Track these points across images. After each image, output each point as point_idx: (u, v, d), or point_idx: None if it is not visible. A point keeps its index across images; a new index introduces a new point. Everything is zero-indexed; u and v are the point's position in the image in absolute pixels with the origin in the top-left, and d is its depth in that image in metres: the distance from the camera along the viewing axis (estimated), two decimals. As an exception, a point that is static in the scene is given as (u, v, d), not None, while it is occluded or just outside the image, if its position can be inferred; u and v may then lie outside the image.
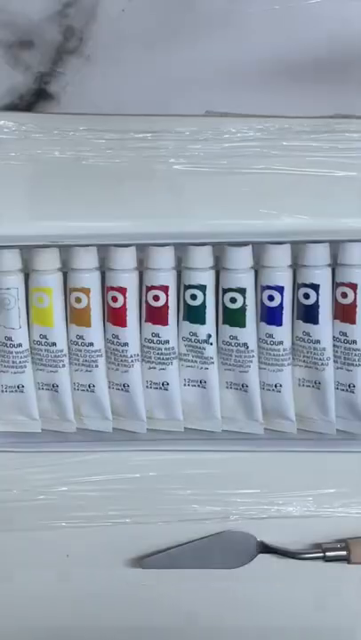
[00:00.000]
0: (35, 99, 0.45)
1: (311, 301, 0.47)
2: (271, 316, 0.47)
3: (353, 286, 0.46)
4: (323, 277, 0.46)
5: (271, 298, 0.47)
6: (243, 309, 0.47)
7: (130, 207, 0.46)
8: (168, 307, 0.47)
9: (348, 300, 0.46)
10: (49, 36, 0.44)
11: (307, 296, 0.47)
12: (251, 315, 0.47)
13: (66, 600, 0.50)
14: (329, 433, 0.48)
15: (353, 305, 0.46)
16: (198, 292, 0.46)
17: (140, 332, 0.47)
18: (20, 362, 0.47)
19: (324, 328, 0.47)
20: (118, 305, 0.46)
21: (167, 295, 0.46)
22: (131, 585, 0.50)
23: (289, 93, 0.46)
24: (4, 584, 0.50)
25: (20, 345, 0.47)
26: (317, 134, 0.46)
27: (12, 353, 0.47)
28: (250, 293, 0.46)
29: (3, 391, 0.48)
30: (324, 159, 0.46)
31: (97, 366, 0.47)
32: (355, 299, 0.46)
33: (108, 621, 0.50)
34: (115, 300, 0.46)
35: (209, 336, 0.47)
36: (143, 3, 0.44)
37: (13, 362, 0.47)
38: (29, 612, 0.50)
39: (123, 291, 0.46)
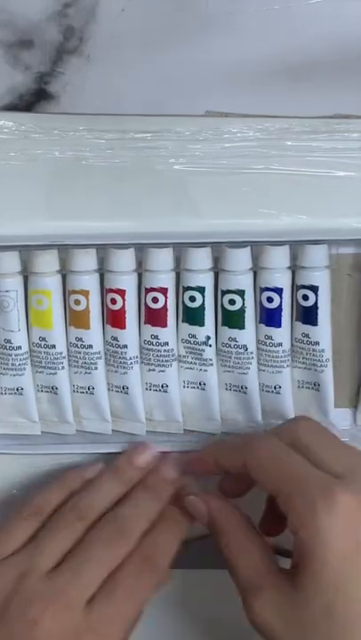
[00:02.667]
0: (35, 99, 0.45)
1: (310, 303, 0.47)
2: (270, 317, 0.47)
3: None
4: (322, 279, 0.46)
5: (270, 299, 0.47)
6: (242, 311, 0.47)
7: (130, 207, 0.46)
8: (167, 309, 0.47)
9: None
10: (49, 36, 0.44)
11: (306, 297, 0.47)
12: (250, 316, 0.47)
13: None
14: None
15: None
16: (197, 294, 0.46)
17: (140, 334, 0.47)
18: (19, 364, 0.47)
19: (324, 329, 0.47)
20: (117, 307, 0.46)
21: (166, 297, 0.46)
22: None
23: (289, 93, 0.46)
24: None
25: (19, 347, 0.46)
26: (317, 134, 0.46)
27: (11, 355, 0.47)
28: (249, 295, 0.46)
29: (2, 393, 0.48)
30: (325, 159, 0.46)
31: (96, 368, 0.47)
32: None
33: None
34: (114, 302, 0.46)
35: (208, 338, 0.47)
36: (143, 2, 0.43)
37: (12, 364, 0.47)
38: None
39: (122, 293, 0.46)
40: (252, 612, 0.38)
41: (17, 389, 0.48)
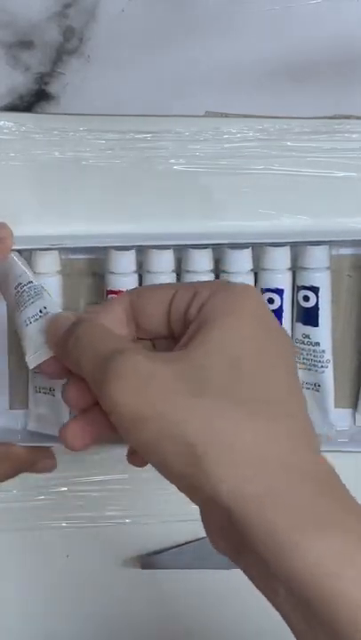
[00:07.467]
0: (35, 99, 0.45)
1: (311, 304, 0.47)
2: (271, 318, 0.47)
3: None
4: (323, 280, 0.46)
5: (271, 300, 0.47)
6: (243, 311, 0.46)
7: (130, 208, 0.46)
8: (168, 309, 0.47)
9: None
10: (49, 37, 0.44)
11: (306, 298, 0.47)
12: (250, 316, 0.47)
13: (66, 600, 0.50)
14: (329, 435, 0.49)
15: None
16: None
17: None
18: (20, 364, 0.47)
19: (324, 330, 0.47)
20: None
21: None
22: (131, 585, 0.50)
23: (289, 93, 0.46)
24: (3, 584, 0.50)
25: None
26: (317, 135, 0.46)
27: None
28: (250, 295, 0.46)
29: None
30: (325, 159, 0.46)
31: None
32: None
33: (108, 621, 0.50)
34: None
35: (209, 338, 0.47)
36: (143, 3, 0.43)
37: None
38: (29, 612, 0.50)
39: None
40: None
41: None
